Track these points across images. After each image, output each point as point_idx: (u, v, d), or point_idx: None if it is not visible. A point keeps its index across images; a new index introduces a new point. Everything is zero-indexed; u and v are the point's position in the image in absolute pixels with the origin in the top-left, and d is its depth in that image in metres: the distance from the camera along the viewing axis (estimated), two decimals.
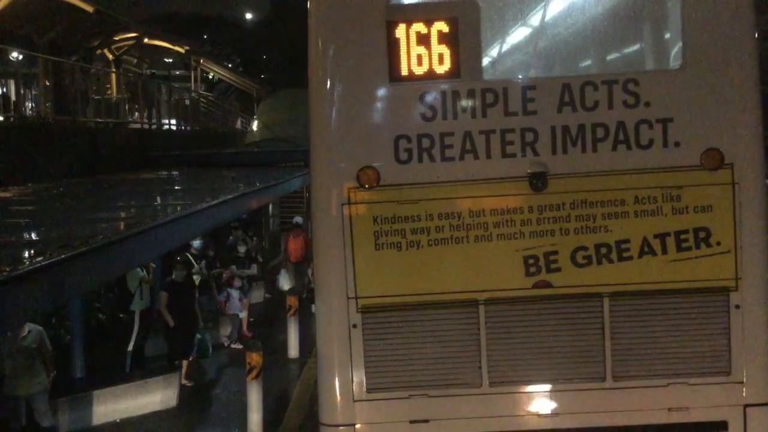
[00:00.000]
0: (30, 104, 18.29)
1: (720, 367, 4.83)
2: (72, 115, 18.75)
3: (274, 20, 50.34)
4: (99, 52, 26.54)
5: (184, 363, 11.38)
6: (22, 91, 18.13)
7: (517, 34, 4.96)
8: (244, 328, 14.10)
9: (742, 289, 4.78)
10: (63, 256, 5.53)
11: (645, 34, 5.01)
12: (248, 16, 62.52)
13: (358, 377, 4.85)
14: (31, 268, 5.11)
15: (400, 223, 4.79)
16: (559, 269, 4.78)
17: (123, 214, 9.83)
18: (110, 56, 27.34)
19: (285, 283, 15.93)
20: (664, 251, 4.76)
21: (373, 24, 4.70)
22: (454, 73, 4.71)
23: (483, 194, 4.77)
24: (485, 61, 4.87)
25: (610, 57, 5.07)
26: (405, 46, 4.70)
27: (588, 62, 5.06)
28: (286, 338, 12.79)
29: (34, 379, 8.88)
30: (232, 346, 13.34)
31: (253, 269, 14.65)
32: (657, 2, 4.91)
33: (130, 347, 11.53)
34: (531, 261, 4.78)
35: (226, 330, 13.82)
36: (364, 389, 4.86)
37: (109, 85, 23.93)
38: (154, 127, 24.93)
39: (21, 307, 5.11)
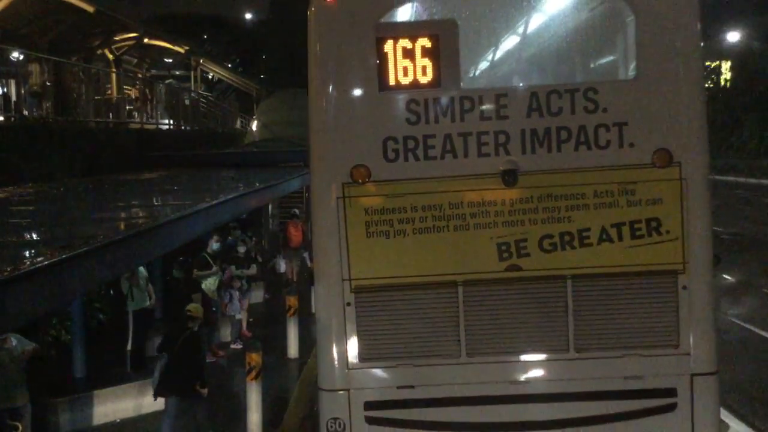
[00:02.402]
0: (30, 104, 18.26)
1: (669, 341, 5.45)
2: (72, 115, 18.77)
3: (273, 20, 50.30)
4: (99, 52, 26.54)
5: None
6: (22, 91, 18.11)
7: (491, 49, 5.57)
8: (244, 328, 14.12)
9: (689, 271, 5.41)
10: (63, 256, 5.54)
11: (604, 49, 5.64)
12: (248, 16, 62.54)
13: (352, 349, 5.54)
14: (31, 268, 5.12)
15: (389, 214, 5.44)
16: (528, 254, 5.43)
17: (123, 214, 9.84)
18: (110, 56, 27.33)
19: (281, 265, 18.29)
20: (620, 239, 5.41)
21: (365, 40, 5.34)
22: (435, 82, 5.36)
23: (461, 189, 5.42)
24: (463, 72, 5.46)
25: (573, 68, 5.62)
26: (392, 59, 5.34)
27: (553, 73, 5.63)
28: (285, 338, 12.79)
29: (19, 390, 8.42)
30: (232, 346, 13.36)
31: (253, 269, 14.64)
32: (614, 21, 5.48)
33: (129, 347, 11.55)
34: (503, 247, 5.45)
35: (226, 330, 13.84)
36: (357, 359, 5.55)
37: (109, 85, 23.93)
38: (154, 127, 24.94)
39: (21, 307, 5.11)
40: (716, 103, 57.32)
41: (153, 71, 37.90)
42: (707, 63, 62.27)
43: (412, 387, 5.53)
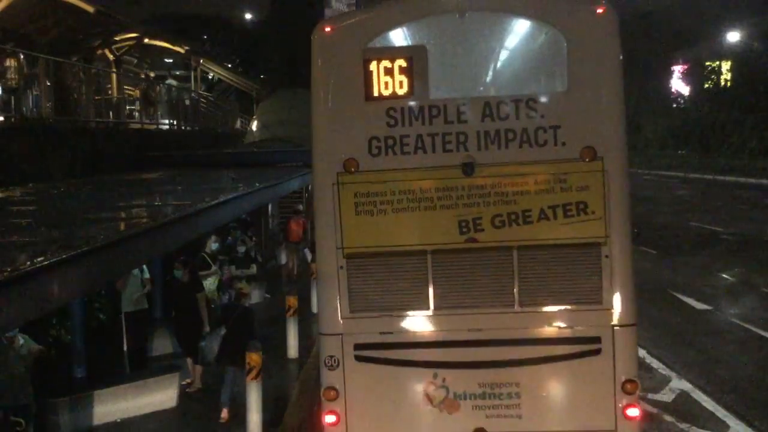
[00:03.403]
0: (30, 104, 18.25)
1: (595, 299, 6.73)
2: (72, 115, 18.76)
3: (273, 20, 50.27)
4: (99, 52, 26.55)
5: (197, 369, 11.38)
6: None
7: (453, 68, 6.84)
8: None
9: (610, 243, 6.70)
10: (63, 256, 5.54)
11: (542, 67, 6.84)
12: (248, 16, 62.54)
13: (344, 302, 6.86)
14: (30, 268, 5.12)
15: (373, 197, 6.79)
16: (482, 230, 6.73)
17: (123, 215, 9.84)
18: (111, 56, 27.35)
19: (283, 258, 19.61)
20: (555, 217, 6.69)
21: (354, 61, 6.69)
22: (409, 94, 6.71)
23: (430, 177, 6.75)
24: (431, 86, 6.72)
25: (519, 83, 6.81)
26: (376, 76, 6.70)
27: (502, 86, 6.83)
28: (285, 338, 12.81)
29: (24, 389, 8.48)
30: None
31: (253, 269, 14.65)
32: (552, 47, 6.70)
33: (125, 348, 11.57)
34: (463, 224, 6.74)
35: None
36: (348, 310, 6.87)
37: (110, 85, 23.94)
38: (154, 127, 24.94)
39: (21, 308, 5.11)
40: (716, 103, 57.38)
41: (153, 71, 37.91)
42: (707, 63, 62.37)
43: (391, 333, 6.91)
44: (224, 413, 10.10)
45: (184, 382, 11.20)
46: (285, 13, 46.54)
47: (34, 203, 11.22)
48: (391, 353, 6.88)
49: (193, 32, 50.14)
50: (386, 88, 6.71)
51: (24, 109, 17.15)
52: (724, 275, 19.11)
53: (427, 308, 6.83)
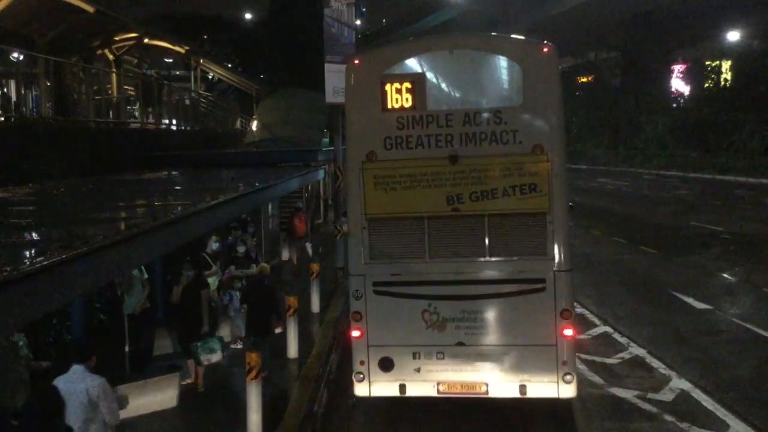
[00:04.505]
0: (31, 104, 18.26)
1: (541, 252, 9.41)
2: (72, 115, 18.76)
3: (273, 20, 50.23)
4: (99, 52, 26.53)
5: (199, 370, 11.37)
6: (23, 91, 18.11)
7: (444, 88, 9.73)
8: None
9: (552, 213, 9.31)
10: (63, 256, 5.54)
11: (505, 89, 9.64)
12: (248, 16, 62.53)
13: (366, 252, 9.68)
14: (31, 268, 5.12)
15: (386, 178, 9.53)
16: (463, 202, 9.41)
17: (123, 214, 9.84)
18: (111, 56, 27.33)
19: (285, 253, 20.86)
20: (514, 194, 9.33)
21: (375, 83, 9.52)
22: (413, 107, 9.46)
23: (426, 165, 9.44)
24: (427, 101, 9.48)
25: (490, 99, 9.53)
26: (389, 94, 9.48)
27: (477, 102, 9.52)
28: (285, 338, 12.81)
29: (23, 390, 8.52)
30: (232, 346, 13.35)
31: (253, 269, 14.62)
32: (512, 73, 9.50)
33: (126, 349, 11.55)
34: (449, 198, 9.42)
35: (226, 330, 13.81)
36: (369, 258, 9.68)
37: (110, 85, 23.93)
38: (154, 127, 24.93)
39: (21, 307, 5.11)
40: (716, 103, 57.32)
41: (153, 71, 37.86)
42: (707, 62, 62.31)
43: (399, 274, 9.67)
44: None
45: (184, 382, 11.20)
46: (285, 13, 46.48)
47: (34, 203, 11.22)
48: (399, 289, 9.68)
49: (193, 32, 50.10)
50: (396, 102, 9.49)
51: (24, 109, 17.17)
52: (724, 275, 19.12)
53: (424, 257, 9.58)
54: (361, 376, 9.77)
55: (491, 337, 9.53)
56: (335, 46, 17.86)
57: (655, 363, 12.29)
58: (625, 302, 16.56)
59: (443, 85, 9.68)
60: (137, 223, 7.85)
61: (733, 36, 57.16)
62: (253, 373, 9.11)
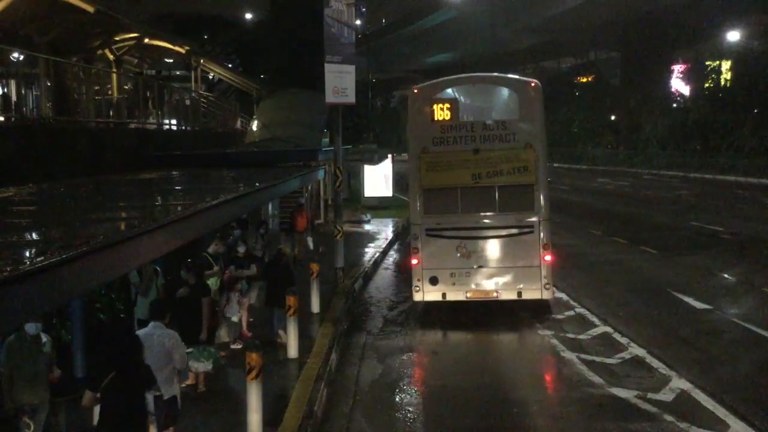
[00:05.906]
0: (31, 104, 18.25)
1: (531, 208, 15.01)
2: (72, 115, 18.76)
3: (273, 20, 50.19)
4: (100, 52, 26.55)
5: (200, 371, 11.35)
6: (23, 91, 18.10)
7: (469, 107, 15.53)
8: (244, 328, 14.10)
9: (537, 185, 15.00)
10: (63, 256, 5.53)
11: (507, 108, 15.47)
12: (248, 16, 62.50)
13: (421, 209, 15.28)
14: (31, 268, 5.11)
15: (434, 164, 15.23)
16: (482, 178, 15.10)
17: (123, 214, 9.84)
18: (111, 56, 27.34)
19: (288, 247, 21.39)
20: (513, 173, 15.08)
21: (428, 104, 15.39)
22: (450, 119, 15.30)
23: (459, 155, 15.18)
24: (460, 115, 15.28)
25: (497, 114, 15.37)
26: (436, 110, 15.33)
27: (490, 116, 15.32)
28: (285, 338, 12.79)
29: (41, 388, 8.61)
30: (232, 346, 13.34)
31: (253, 269, 14.61)
32: (511, 98, 15.47)
33: None
34: (473, 175, 15.12)
35: (223, 332, 13.78)
36: (423, 213, 15.28)
37: (110, 85, 23.93)
38: (155, 127, 24.92)
39: (21, 307, 5.11)
40: (716, 103, 57.31)
41: (153, 70, 37.84)
42: (707, 63, 62.28)
43: (441, 223, 15.08)
44: (282, 335, 13.31)
45: (183, 385, 11.18)
46: (285, 13, 46.44)
47: (34, 203, 11.22)
48: (441, 232, 15.10)
49: (193, 32, 50.09)
50: (440, 116, 15.22)
51: (24, 109, 17.16)
52: (724, 275, 19.12)
53: (457, 212, 15.12)
54: (418, 288, 15.12)
55: (499, 262, 15.05)
56: (335, 46, 17.86)
57: (655, 363, 12.28)
58: (626, 302, 16.56)
59: (469, 106, 15.46)
60: (137, 223, 7.84)
61: (733, 36, 57.11)
62: (253, 373, 9.10)
